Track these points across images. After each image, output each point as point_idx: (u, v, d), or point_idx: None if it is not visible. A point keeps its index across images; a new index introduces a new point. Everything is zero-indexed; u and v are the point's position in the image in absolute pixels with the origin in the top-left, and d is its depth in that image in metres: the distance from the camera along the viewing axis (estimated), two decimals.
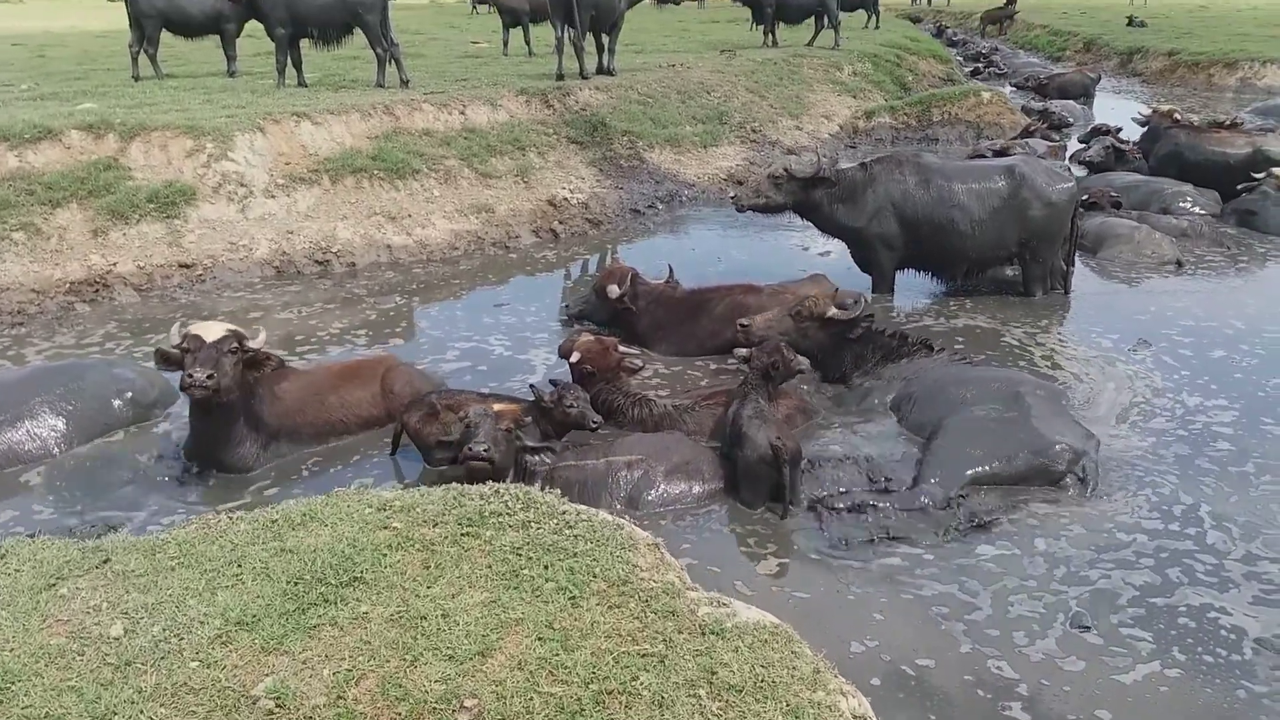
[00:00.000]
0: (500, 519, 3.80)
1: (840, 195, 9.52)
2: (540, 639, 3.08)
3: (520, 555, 3.55)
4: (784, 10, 23.52)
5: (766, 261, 11.29)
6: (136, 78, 15.85)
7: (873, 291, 9.50)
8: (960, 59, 32.85)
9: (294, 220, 10.99)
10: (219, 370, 5.74)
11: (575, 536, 3.65)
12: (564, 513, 3.84)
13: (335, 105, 12.66)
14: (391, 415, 6.84)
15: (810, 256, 11.50)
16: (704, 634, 3.12)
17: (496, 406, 6.22)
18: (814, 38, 23.86)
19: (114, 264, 9.80)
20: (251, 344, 5.98)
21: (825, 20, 23.51)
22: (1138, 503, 5.67)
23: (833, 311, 7.49)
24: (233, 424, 6.16)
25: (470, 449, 5.66)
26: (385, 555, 3.56)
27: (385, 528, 3.77)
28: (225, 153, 10.98)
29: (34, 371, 6.96)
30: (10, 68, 18.51)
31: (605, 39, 17.17)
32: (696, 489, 6.06)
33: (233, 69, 16.74)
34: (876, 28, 28.66)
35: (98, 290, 9.59)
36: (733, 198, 10.54)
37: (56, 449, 6.45)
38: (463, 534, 3.72)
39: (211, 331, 5.90)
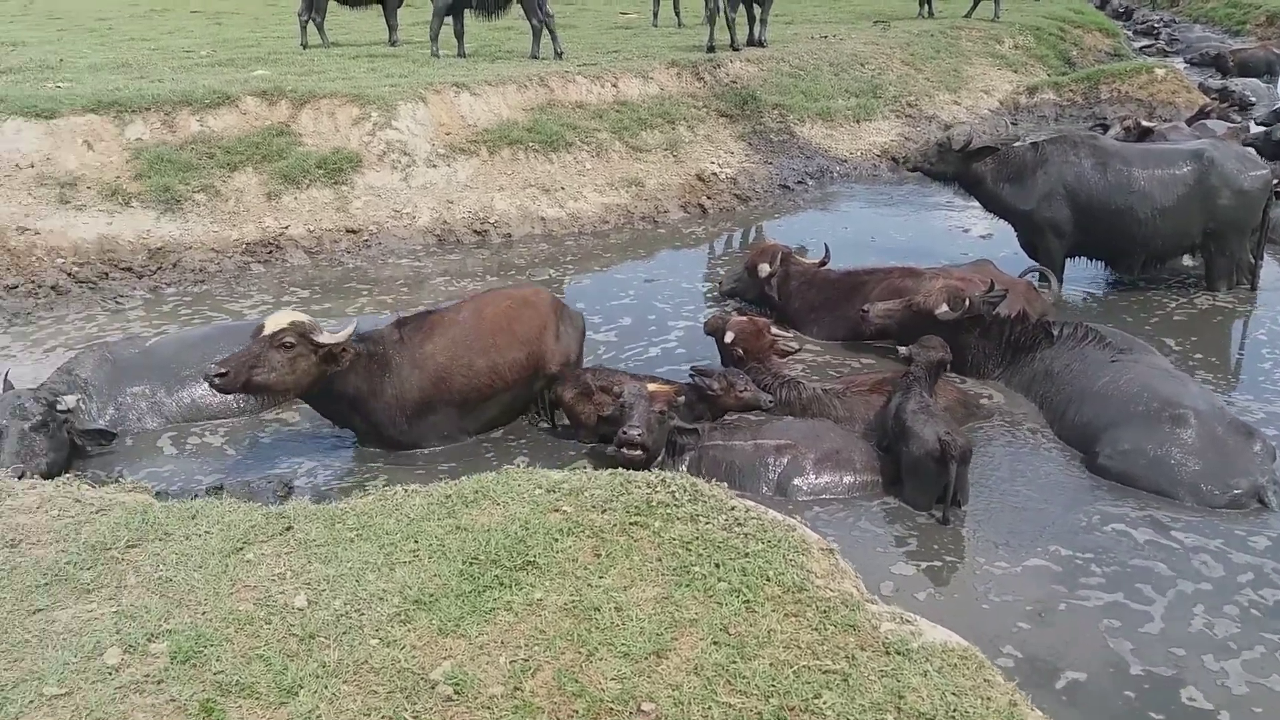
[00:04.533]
0: (668, 510, 3.74)
1: (1007, 174, 9.11)
2: (715, 643, 3.01)
3: (690, 551, 3.48)
4: None
5: (924, 242, 10.89)
6: (305, 45, 16.44)
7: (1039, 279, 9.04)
8: (1129, 33, 30.81)
9: (454, 190, 11.21)
10: (260, 363, 5.54)
11: (746, 535, 3.56)
12: (733, 508, 3.76)
13: (493, 77, 12.81)
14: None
15: (971, 238, 11.03)
16: (888, 653, 2.99)
17: (651, 387, 6.18)
18: (972, 9, 22.75)
19: (286, 227, 10.22)
20: (322, 338, 5.68)
21: None
22: None
23: (941, 311, 7.17)
24: (338, 407, 6.09)
25: (625, 433, 5.65)
26: (557, 540, 3.56)
27: (555, 510, 3.77)
28: (389, 121, 11.27)
29: (218, 330, 7.29)
30: (190, 34, 19.49)
31: (757, 10, 16.83)
32: (846, 479, 5.89)
33: (394, 38, 17.16)
34: None
35: (271, 252, 10.04)
36: (904, 158, 10.32)
37: (238, 406, 6.73)
38: (631, 523, 3.68)
39: (275, 323, 5.67)
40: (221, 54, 15.61)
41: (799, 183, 13.72)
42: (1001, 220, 9.55)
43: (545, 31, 15.13)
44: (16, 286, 8.94)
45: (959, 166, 9.19)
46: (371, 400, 6.03)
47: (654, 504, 3.79)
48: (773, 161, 13.96)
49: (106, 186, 9.86)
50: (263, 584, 3.38)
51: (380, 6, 17.28)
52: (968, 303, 7.17)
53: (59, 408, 5.96)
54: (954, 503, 5.51)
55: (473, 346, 6.37)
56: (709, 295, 9.29)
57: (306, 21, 16.61)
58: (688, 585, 3.29)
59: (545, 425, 6.75)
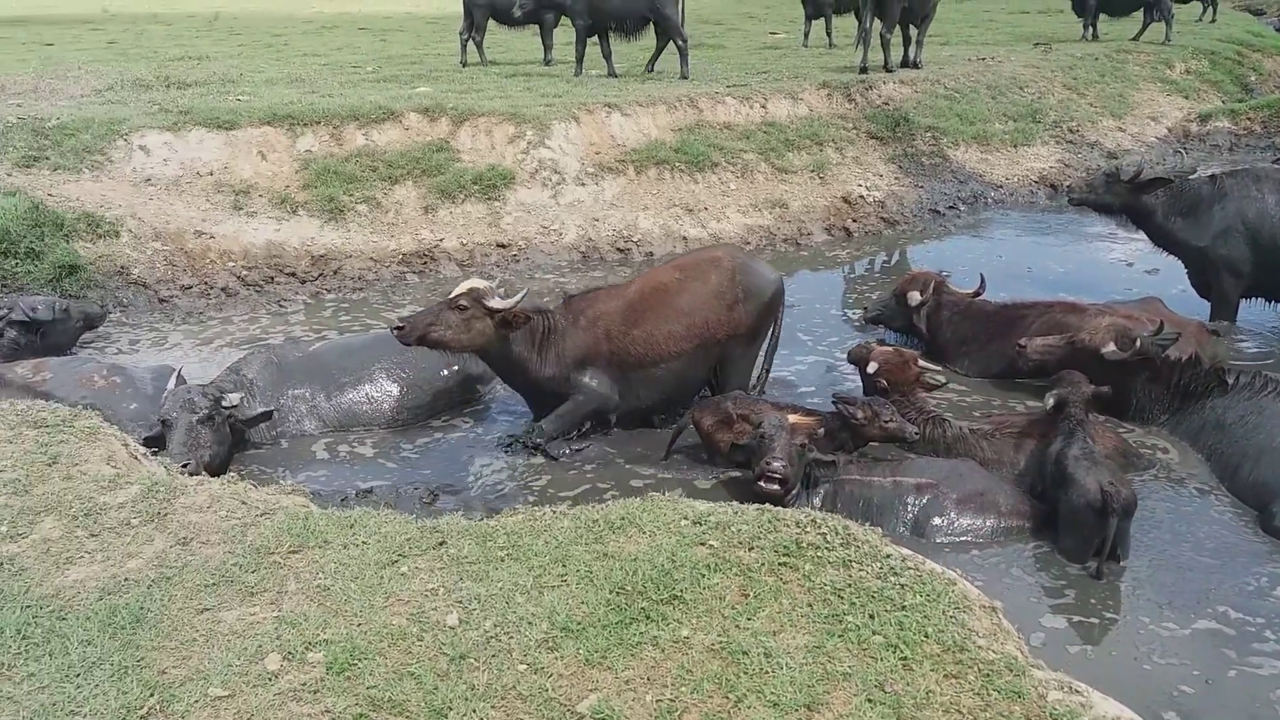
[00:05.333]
0: (819, 553, 3.63)
1: (1181, 208, 8.60)
2: (870, 700, 2.89)
3: (843, 599, 3.36)
4: (1109, 1, 21.52)
5: (1084, 275, 10.37)
6: (464, 64, 17.01)
7: (1210, 319, 8.47)
8: None
9: (600, 208, 11.35)
10: (438, 321, 6.18)
11: (902, 586, 3.42)
12: (888, 555, 3.61)
13: (643, 97, 12.94)
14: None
15: (1135, 273, 10.44)
16: None
17: (791, 418, 6.05)
18: (1141, 31, 21.65)
19: (440, 239, 10.56)
20: (493, 303, 6.23)
21: (1155, 13, 21.25)
22: None
23: (1108, 350, 6.73)
24: (507, 367, 6.59)
25: (767, 465, 5.55)
26: (704, 576, 3.50)
27: (702, 544, 3.71)
28: (543, 140, 11.52)
29: (376, 339, 7.55)
30: (357, 50, 20.46)
31: (913, 31, 16.48)
32: (989, 523, 5.62)
33: (549, 58, 17.56)
34: (1213, 21, 25.58)
35: (425, 263, 10.38)
36: (1067, 188, 9.89)
37: (392, 415, 6.97)
38: (780, 563, 3.59)
39: (460, 288, 6.35)
40: (386, 70, 16.30)
41: (950, 208, 13.32)
42: (1170, 256, 9.03)
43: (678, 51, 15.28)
44: (191, 287, 9.50)
45: (1127, 198, 8.74)
46: (534, 359, 6.53)
47: (804, 545, 3.68)
48: (923, 185, 13.61)
49: (277, 195, 10.41)
50: (416, 599, 3.45)
51: (537, 26, 17.72)
52: (1137, 343, 6.76)
53: (224, 403, 6.26)
54: (1112, 557, 5.20)
55: (631, 315, 6.67)
56: (851, 321, 9.08)
57: (467, 40, 17.19)
58: (840, 636, 3.17)
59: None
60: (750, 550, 3.67)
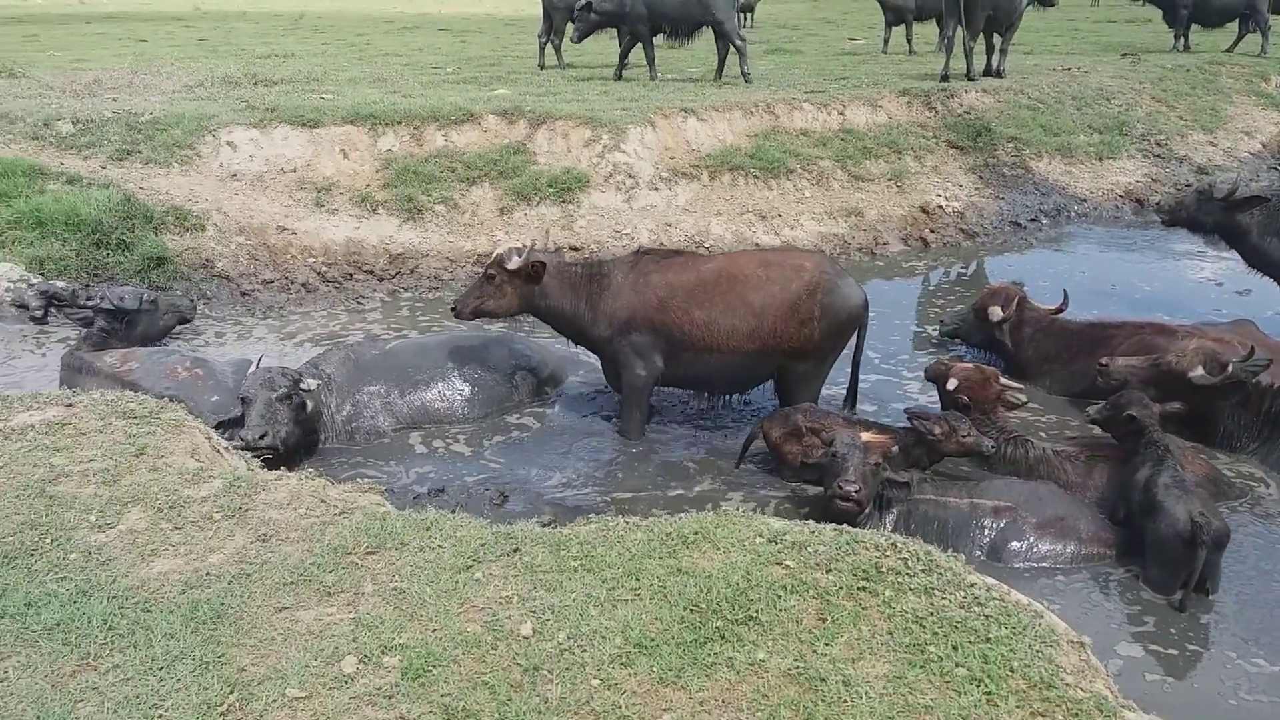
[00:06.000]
0: (899, 578, 3.54)
1: (1276, 227, 8.25)
2: None
3: (924, 628, 3.27)
4: (1202, 11, 20.74)
5: (1171, 294, 10.04)
6: (542, 66, 17.12)
7: None
8: None
9: (672, 213, 11.31)
10: (479, 292, 6.75)
11: (987, 617, 3.31)
12: (972, 584, 3.51)
13: (719, 102, 12.87)
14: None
15: (1225, 294, 10.08)
16: None
17: (865, 436, 5.94)
18: (1236, 43, 20.89)
19: (514, 241, 10.59)
20: (510, 264, 6.57)
21: (1251, 24, 20.48)
22: None
23: (1196, 374, 6.47)
24: (559, 321, 6.85)
25: (840, 486, 5.45)
26: (779, 597, 3.44)
27: (778, 564, 3.65)
28: (618, 144, 11.52)
29: (450, 338, 7.64)
30: (438, 51, 20.74)
31: (998, 39, 16.16)
32: (1070, 549, 5.46)
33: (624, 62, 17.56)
34: None
35: None
36: (1156, 205, 9.69)
37: (463, 414, 7.05)
38: (859, 587, 3.50)
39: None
40: (465, 72, 16.48)
41: (1032, 220, 13.02)
42: (1264, 277, 8.69)
43: (727, 53, 15.37)
44: (272, 281, 9.70)
45: (1221, 217, 8.46)
46: (585, 314, 6.66)
47: (884, 569, 3.59)
48: (1004, 197, 13.32)
49: (357, 193, 10.58)
50: (490, 606, 3.44)
51: (615, 31, 17.75)
52: (1227, 368, 6.51)
53: (302, 386, 6.39)
54: (1200, 590, 5.01)
55: (696, 295, 6.51)
56: (925, 335, 8.90)
57: (545, 43, 17.29)
58: (921, 666, 3.08)
59: None
60: (828, 572, 3.59)
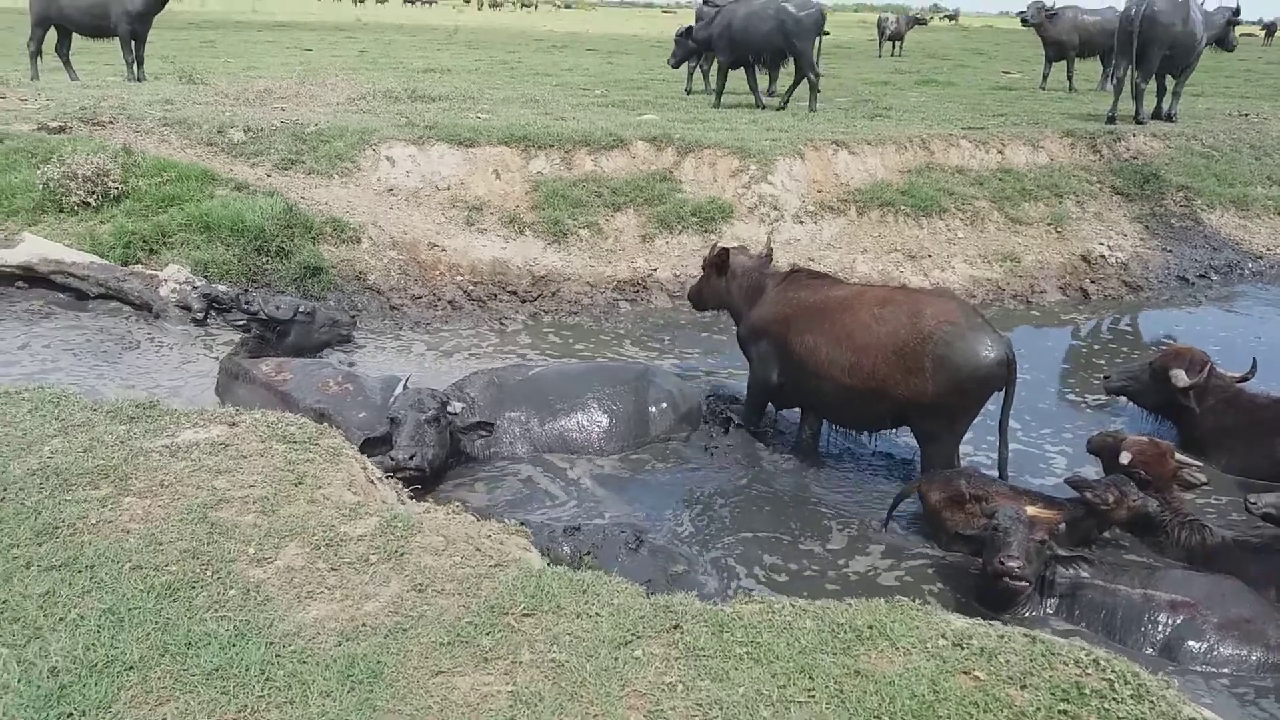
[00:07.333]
0: (1105, 703, 3.18)
1: None
2: None
3: None
4: None
5: None
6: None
7: None
8: None
9: (816, 248, 11.00)
10: (697, 284, 7.86)
11: None
12: (1191, 718, 3.12)
13: (872, 135, 12.51)
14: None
15: None
16: None
17: (1030, 510, 5.54)
18: None
19: (654, 269, 10.49)
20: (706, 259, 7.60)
21: None
22: None
23: None
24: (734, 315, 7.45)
25: (1002, 564, 5.11)
26: (971, 715, 3.12)
27: (965, 673, 3.33)
28: (765, 175, 11.29)
29: (593, 368, 7.57)
30: (586, 72, 20.94)
31: (1170, 80, 15.29)
32: (1255, 656, 4.94)
33: (772, 89, 17.34)
34: None
35: (638, 291, 10.34)
36: None
37: (599, 446, 6.93)
38: (1060, 709, 3.16)
39: None
40: (613, 95, 16.52)
41: (1200, 276, 12.20)
42: None
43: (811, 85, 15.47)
44: (421, 297, 9.80)
45: None
46: (744, 311, 7.23)
47: (1086, 691, 3.23)
48: (1171, 249, 12.52)
49: (506, 214, 10.64)
50: (653, 692, 3.24)
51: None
52: None
53: (449, 409, 6.43)
54: None
55: (811, 318, 6.60)
56: (1081, 393, 8.32)
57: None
58: None
59: None
60: (1023, 689, 3.26)
